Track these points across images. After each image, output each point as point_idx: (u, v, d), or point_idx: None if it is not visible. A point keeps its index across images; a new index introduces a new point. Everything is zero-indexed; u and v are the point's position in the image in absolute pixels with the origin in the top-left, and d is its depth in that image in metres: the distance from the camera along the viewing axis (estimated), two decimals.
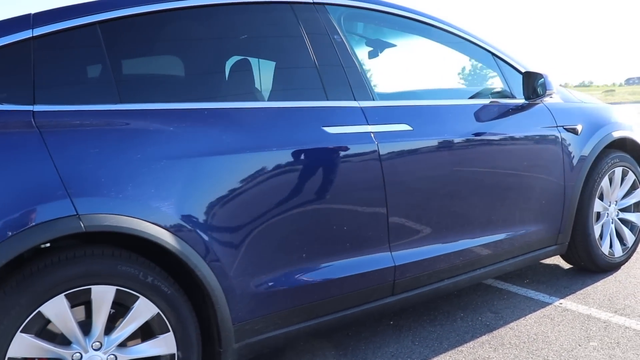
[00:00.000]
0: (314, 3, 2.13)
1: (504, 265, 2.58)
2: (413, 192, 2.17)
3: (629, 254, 3.09)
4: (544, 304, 2.64)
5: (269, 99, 1.91)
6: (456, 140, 2.28)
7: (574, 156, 2.71)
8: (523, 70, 2.66)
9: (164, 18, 1.84)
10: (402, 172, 2.13)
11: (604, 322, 2.39)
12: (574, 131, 2.73)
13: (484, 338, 2.33)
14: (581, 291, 2.77)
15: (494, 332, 2.37)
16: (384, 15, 2.36)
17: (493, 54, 2.63)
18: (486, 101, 2.53)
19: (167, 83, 1.87)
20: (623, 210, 3.10)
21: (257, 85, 2.03)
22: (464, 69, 2.74)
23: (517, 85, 2.63)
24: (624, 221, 3.11)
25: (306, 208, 1.91)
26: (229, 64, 2.05)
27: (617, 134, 2.91)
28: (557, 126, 2.67)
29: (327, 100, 2.04)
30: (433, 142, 2.21)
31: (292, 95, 1.99)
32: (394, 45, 2.57)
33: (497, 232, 2.48)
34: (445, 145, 2.25)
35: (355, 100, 2.08)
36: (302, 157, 1.90)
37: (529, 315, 2.51)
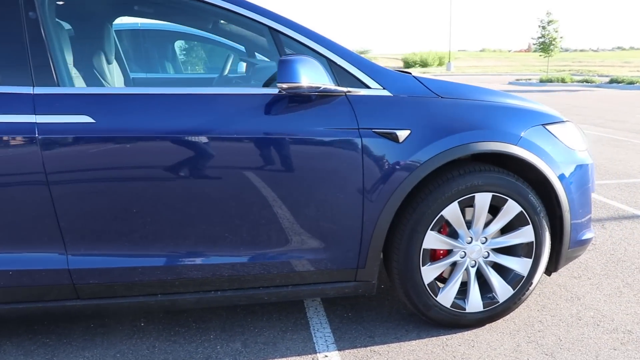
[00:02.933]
0: None
1: (259, 294, 2.08)
2: (91, 195, 1.85)
3: (496, 311, 2.23)
4: (307, 352, 2.08)
5: None
6: (158, 137, 1.83)
7: (386, 171, 1.98)
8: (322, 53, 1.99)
9: None
10: (73, 171, 1.83)
11: None
12: (391, 137, 1.98)
13: None
14: (378, 347, 2.11)
15: None
16: None
17: (271, 28, 1.99)
18: (239, 90, 1.97)
19: None
20: (500, 251, 2.21)
21: None
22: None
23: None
24: (499, 267, 2.22)
25: None
26: None
27: (483, 146, 2.03)
28: (358, 128, 1.96)
29: None
30: (119, 139, 1.82)
31: None
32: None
33: (233, 253, 1.99)
34: (137, 143, 1.82)
35: (32, 86, 1.83)
36: None
37: None
